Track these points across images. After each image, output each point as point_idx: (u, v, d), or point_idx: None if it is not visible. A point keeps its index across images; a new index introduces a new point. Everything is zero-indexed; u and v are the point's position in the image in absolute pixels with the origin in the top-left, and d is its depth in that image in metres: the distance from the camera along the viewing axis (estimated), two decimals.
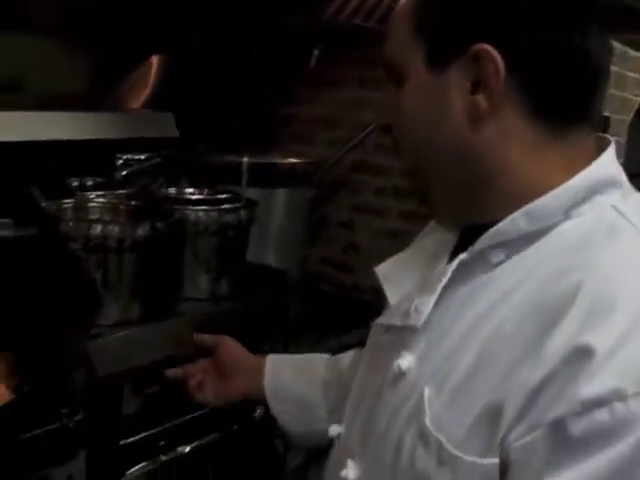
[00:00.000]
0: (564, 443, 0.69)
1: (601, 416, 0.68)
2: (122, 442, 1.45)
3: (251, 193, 1.87)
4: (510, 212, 0.81)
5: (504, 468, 0.74)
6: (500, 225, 0.81)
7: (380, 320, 0.96)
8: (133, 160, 1.86)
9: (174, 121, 1.98)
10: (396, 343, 0.90)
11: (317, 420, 1.24)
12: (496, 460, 0.74)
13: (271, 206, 2.07)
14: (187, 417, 1.52)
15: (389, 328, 0.94)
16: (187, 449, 1.53)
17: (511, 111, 0.79)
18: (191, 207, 1.67)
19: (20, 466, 1.28)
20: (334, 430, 1.02)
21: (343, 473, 0.92)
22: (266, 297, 1.77)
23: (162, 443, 1.50)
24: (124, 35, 1.91)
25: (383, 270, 0.99)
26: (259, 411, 1.49)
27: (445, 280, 0.84)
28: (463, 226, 0.91)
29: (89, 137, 1.78)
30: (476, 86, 0.79)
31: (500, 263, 0.83)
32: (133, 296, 1.53)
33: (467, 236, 0.88)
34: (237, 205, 1.71)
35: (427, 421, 0.81)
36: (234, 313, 1.70)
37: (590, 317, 0.72)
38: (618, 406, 0.68)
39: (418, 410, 0.83)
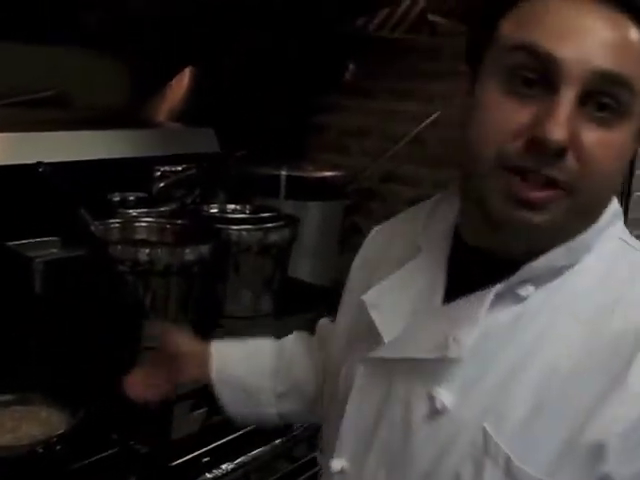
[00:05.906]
0: None
1: None
2: (171, 464, 1.47)
3: (287, 206, 1.87)
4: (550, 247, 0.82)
5: None
6: (542, 260, 0.82)
7: (387, 354, 0.91)
8: (170, 172, 1.86)
9: (215, 136, 1.97)
10: (422, 376, 0.87)
11: (262, 405, 1.24)
12: None
13: (305, 219, 2.00)
14: (231, 436, 1.55)
15: (397, 361, 0.90)
16: (231, 466, 1.54)
17: None
18: (234, 227, 1.67)
19: None
20: (336, 465, 0.96)
21: None
22: (307, 314, 1.74)
23: (206, 460, 1.51)
24: (161, 49, 1.90)
25: (371, 299, 0.96)
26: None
27: (484, 311, 0.83)
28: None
29: (131, 155, 1.77)
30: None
31: (527, 296, 0.84)
32: (177, 317, 1.53)
33: (467, 267, 0.88)
34: (280, 224, 1.71)
35: (508, 452, 0.80)
36: (275, 330, 1.69)
37: None
38: None
39: (477, 445, 0.82)
